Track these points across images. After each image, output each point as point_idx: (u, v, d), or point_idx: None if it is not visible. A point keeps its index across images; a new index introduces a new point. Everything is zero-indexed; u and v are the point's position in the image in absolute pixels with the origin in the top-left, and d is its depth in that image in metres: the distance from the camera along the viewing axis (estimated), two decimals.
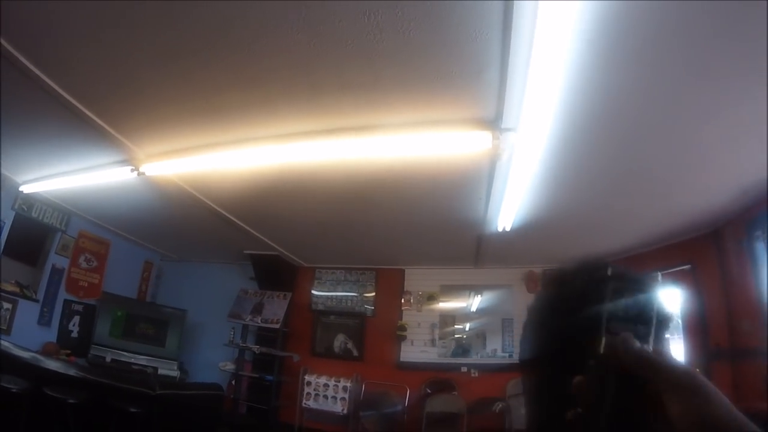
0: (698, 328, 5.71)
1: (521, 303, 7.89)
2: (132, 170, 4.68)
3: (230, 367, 7.24)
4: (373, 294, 7.92)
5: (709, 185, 4.75)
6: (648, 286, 0.74)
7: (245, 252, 7.43)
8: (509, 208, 5.17)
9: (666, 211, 5.48)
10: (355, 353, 7.66)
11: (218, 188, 5.13)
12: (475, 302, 8.21)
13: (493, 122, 3.59)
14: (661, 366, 0.58)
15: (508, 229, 5.74)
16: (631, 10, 2.51)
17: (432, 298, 7.86)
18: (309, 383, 7.04)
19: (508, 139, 3.69)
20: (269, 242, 6.84)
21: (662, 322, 0.66)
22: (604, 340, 0.61)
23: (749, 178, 4.54)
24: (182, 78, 3.38)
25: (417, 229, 6.18)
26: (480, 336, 8.00)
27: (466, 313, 8.16)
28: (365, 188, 4.88)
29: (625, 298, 0.70)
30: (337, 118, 3.70)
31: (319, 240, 6.80)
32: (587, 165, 4.43)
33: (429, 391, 7.22)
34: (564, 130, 3.70)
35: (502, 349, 7.78)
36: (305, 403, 7.01)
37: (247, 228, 6.28)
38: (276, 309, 7.23)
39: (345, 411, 6.83)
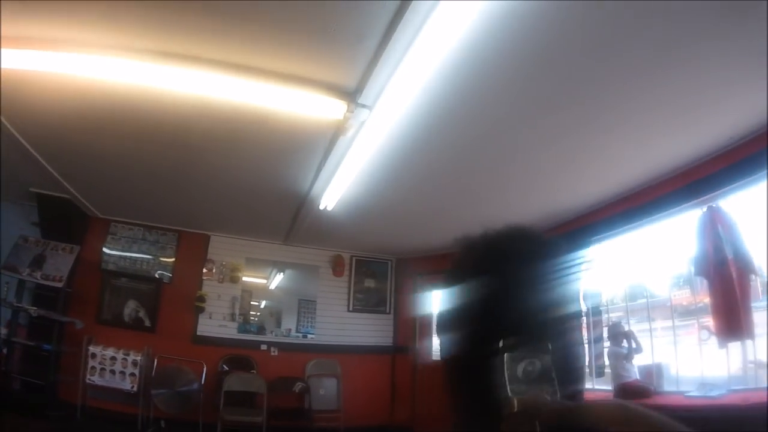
0: None
1: (325, 286, 7.95)
2: None
3: (2, 331, 5.98)
4: (173, 259, 7.20)
5: (525, 205, 5.51)
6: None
7: (31, 190, 6.10)
8: (337, 187, 5.07)
9: (484, 220, 5.77)
10: (147, 323, 6.85)
11: (13, 99, 3.85)
12: (275, 279, 8.01)
13: (351, 94, 3.46)
14: (587, 407, 0.57)
15: (329, 208, 5.62)
16: (519, 31, 2.77)
17: (236, 270, 7.43)
18: (94, 355, 6.05)
19: (360, 115, 3.61)
20: (62, 181, 5.68)
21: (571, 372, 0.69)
22: (515, 401, 0.60)
23: (559, 205, 5.44)
24: None
25: (233, 192, 5.67)
26: (274, 314, 7.82)
27: (265, 290, 7.93)
28: (187, 133, 4.22)
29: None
30: (180, 40, 3.08)
31: (119, 188, 5.86)
32: (425, 164, 4.67)
33: (226, 368, 6.83)
34: (416, 124, 3.81)
35: (296, 329, 7.71)
36: (89, 379, 5.99)
37: (39, 158, 5.03)
38: (60, 264, 6.05)
39: (135, 388, 6.02)
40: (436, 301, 8.05)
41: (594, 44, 2.92)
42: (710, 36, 2.81)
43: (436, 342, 7.77)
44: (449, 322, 0.81)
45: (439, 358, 0.86)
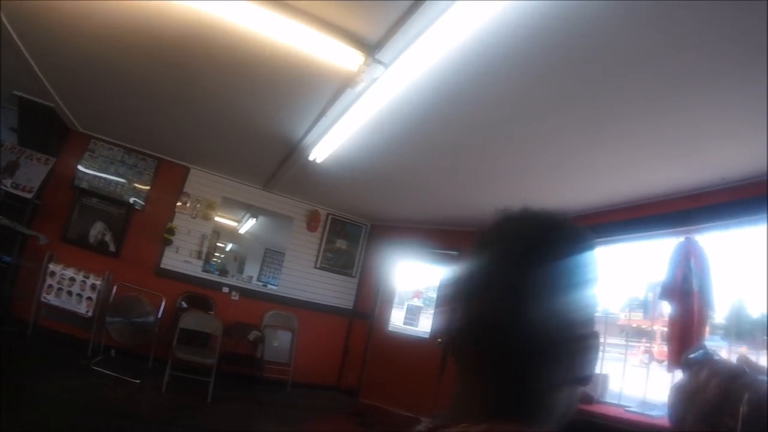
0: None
1: (296, 238, 7.88)
2: None
3: None
4: (149, 186, 6.95)
5: (508, 197, 5.35)
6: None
7: (14, 93, 5.69)
8: (331, 141, 4.93)
9: (467, 202, 6.12)
10: (112, 248, 6.63)
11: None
12: (247, 224, 7.88)
13: (371, 48, 3.29)
14: None
15: (319, 161, 5.50)
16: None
17: (211, 207, 7.25)
18: (53, 274, 5.77)
19: (374, 71, 3.45)
20: (48, 87, 5.30)
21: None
22: None
23: (542, 204, 5.40)
24: None
25: (223, 126, 5.39)
26: (238, 259, 7.71)
27: (234, 233, 7.79)
28: (188, 53, 3.88)
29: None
30: None
31: (106, 102, 5.46)
32: (424, 136, 4.58)
33: (185, 305, 6.71)
34: (426, 94, 3.71)
35: (257, 277, 7.66)
36: (45, 297, 5.72)
37: (28, 57, 4.67)
38: (32, 174, 5.75)
39: (90, 313, 5.81)
40: (404, 272, 8.12)
41: (616, 62, 2.93)
42: (726, 76, 2.83)
43: (395, 314, 7.87)
44: (467, 289, 0.77)
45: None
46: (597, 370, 5.14)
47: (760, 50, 2.45)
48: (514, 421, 0.65)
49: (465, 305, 0.76)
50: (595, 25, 2.61)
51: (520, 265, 0.70)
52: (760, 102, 2.91)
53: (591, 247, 0.76)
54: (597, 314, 0.76)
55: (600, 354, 4.07)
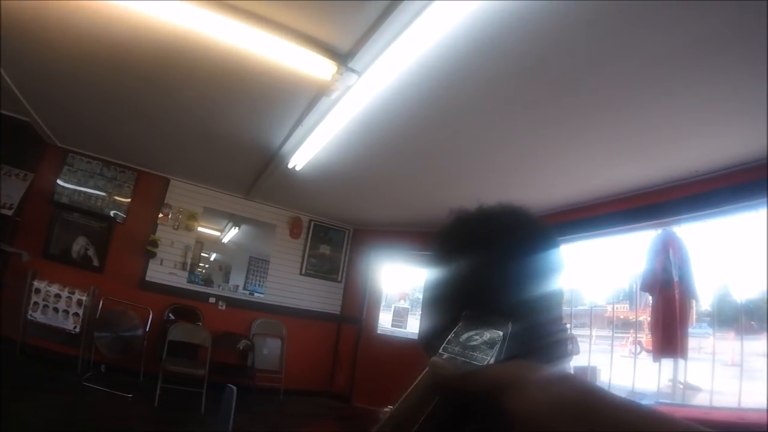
0: None
1: (280, 246, 7.90)
2: None
3: None
4: (129, 199, 6.88)
5: (488, 197, 5.46)
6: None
7: None
8: (309, 148, 4.98)
9: (446, 203, 5.96)
10: (96, 263, 6.55)
11: None
12: (230, 233, 7.86)
13: (343, 57, 3.36)
14: (485, 370, 0.48)
15: (298, 168, 5.52)
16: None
17: (192, 218, 7.24)
18: (38, 291, 5.68)
19: (348, 79, 3.51)
20: (24, 102, 5.22)
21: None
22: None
23: (522, 202, 5.49)
24: None
25: (202, 136, 5.39)
26: (223, 268, 7.68)
27: (217, 242, 7.76)
28: (165, 67, 3.91)
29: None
30: None
31: (83, 116, 5.40)
32: (400, 141, 4.65)
33: (172, 317, 6.68)
34: (400, 99, 3.79)
35: (243, 286, 7.63)
36: (31, 315, 5.63)
37: (3, 73, 4.59)
38: (12, 191, 5.65)
39: (77, 329, 5.75)
40: (389, 274, 8.15)
41: (584, 62, 3.03)
42: (695, 75, 2.98)
43: (382, 317, 7.90)
44: (431, 297, 0.78)
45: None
46: (585, 363, 5.25)
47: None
48: None
49: (431, 307, 0.78)
50: (562, 28, 2.68)
51: (481, 263, 0.71)
52: (718, 103, 3.18)
53: (550, 240, 0.76)
54: (563, 306, 0.76)
55: (586, 346, 4.13)
